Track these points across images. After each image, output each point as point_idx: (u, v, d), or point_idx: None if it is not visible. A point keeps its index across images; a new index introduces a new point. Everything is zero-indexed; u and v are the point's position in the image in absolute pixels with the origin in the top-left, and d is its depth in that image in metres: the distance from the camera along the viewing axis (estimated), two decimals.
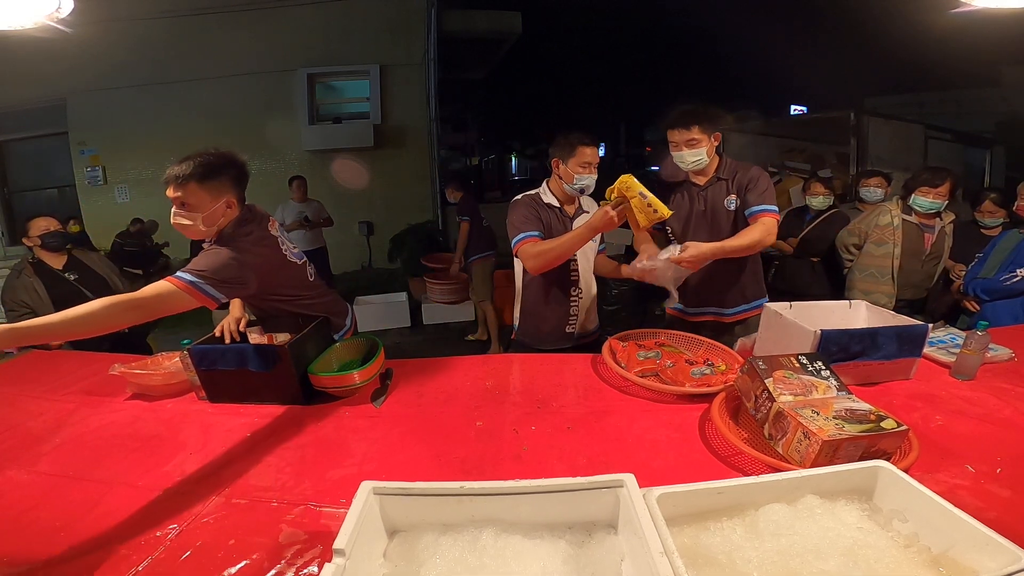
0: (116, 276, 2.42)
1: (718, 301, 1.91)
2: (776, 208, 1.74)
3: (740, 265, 1.87)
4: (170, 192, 1.39)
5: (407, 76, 6.98)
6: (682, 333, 1.69)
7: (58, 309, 2.11)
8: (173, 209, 1.41)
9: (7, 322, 2.31)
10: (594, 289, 1.97)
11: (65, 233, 2.20)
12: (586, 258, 1.88)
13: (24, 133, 7.34)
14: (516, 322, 1.98)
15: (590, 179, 1.75)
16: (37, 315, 2.11)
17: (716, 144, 1.80)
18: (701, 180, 1.85)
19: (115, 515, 0.95)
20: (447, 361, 1.64)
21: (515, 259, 1.82)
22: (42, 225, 2.17)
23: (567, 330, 1.89)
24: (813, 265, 3.15)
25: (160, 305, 1.27)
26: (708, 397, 1.27)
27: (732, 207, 1.82)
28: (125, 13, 5.89)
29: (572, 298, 1.87)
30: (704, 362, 1.47)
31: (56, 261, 2.22)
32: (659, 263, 1.59)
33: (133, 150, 6.97)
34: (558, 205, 1.81)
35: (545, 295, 1.86)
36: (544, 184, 1.87)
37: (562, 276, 1.83)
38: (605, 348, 1.55)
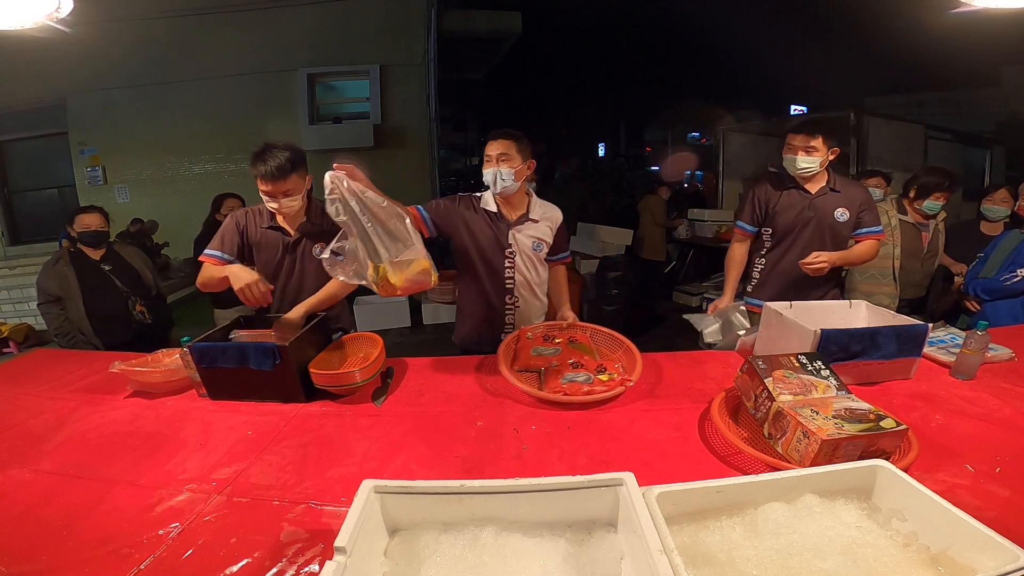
0: (149, 270, 2.59)
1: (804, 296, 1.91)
2: (881, 229, 1.95)
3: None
4: (271, 188, 1.59)
5: (407, 76, 6.97)
6: (609, 332, 1.66)
7: (91, 296, 2.33)
8: (282, 200, 1.62)
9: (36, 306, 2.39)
10: (543, 303, 1.85)
11: (99, 232, 2.42)
12: (532, 268, 1.78)
13: (24, 133, 7.32)
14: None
15: (488, 173, 1.66)
16: (63, 304, 2.32)
17: (833, 158, 1.87)
18: (812, 188, 1.93)
19: (117, 513, 0.95)
20: (448, 360, 1.65)
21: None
22: (85, 222, 2.37)
23: (501, 337, 1.76)
24: None
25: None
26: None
27: (843, 219, 1.90)
28: (124, 13, 5.89)
29: (507, 306, 1.79)
30: (597, 369, 1.42)
31: (95, 252, 2.43)
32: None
33: (133, 150, 6.96)
34: (495, 210, 1.73)
35: (477, 298, 1.80)
36: None
37: (495, 281, 1.76)
38: (506, 341, 1.57)
